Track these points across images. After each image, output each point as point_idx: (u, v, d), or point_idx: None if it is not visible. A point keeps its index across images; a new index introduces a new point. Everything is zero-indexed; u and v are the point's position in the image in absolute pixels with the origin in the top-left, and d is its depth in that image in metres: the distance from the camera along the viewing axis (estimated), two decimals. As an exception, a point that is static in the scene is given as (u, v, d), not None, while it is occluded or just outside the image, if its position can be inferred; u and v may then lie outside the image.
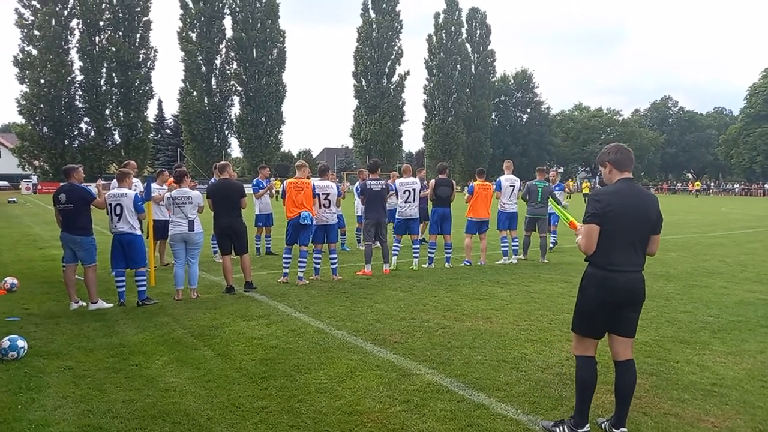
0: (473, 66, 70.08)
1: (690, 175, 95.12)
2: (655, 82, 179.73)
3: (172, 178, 10.03)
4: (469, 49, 69.64)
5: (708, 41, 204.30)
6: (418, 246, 10.10)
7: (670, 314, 6.64)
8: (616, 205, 3.37)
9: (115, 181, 7.69)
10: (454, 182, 10.67)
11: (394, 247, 9.94)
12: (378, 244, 9.56)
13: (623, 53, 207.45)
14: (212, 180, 10.97)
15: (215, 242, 10.84)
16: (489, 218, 10.44)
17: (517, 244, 10.89)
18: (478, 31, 70.74)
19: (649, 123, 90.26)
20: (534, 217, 10.81)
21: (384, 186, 9.36)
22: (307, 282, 8.48)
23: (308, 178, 8.51)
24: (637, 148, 77.18)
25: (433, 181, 10.16)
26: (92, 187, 8.29)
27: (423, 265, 10.02)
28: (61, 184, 7.24)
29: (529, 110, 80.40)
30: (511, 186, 10.66)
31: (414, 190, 9.70)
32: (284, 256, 8.60)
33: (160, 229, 9.24)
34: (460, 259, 10.62)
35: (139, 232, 7.16)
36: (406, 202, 9.66)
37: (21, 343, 4.93)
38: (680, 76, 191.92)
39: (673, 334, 5.82)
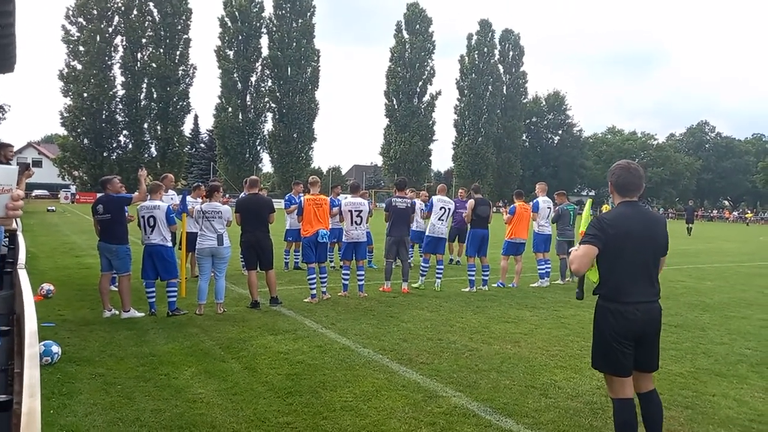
0: (505, 87, 70.00)
1: (726, 203, 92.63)
2: (691, 106, 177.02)
3: (204, 191, 10.23)
4: (501, 71, 69.63)
5: (746, 66, 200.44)
6: (442, 267, 10.00)
7: (706, 345, 6.43)
8: (619, 232, 3.16)
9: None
10: (490, 202, 10.68)
11: (422, 267, 9.88)
12: (399, 262, 9.53)
13: (658, 77, 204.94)
14: (242, 194, 11.18)
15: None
16: (526, 240, 10.36)
17: (550, 266, 10.75)
18: (510, 53, 70.76)
19: (684, 148, 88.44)
20: (568, 240, 10.74)
21: (409, 204, 9.35)
22: (330, 296, 8.50)
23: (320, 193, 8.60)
24: (672, 173, 75.62)
25: (472, 201, 9.95)
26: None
27: (463, 289, 9.80)
28: (99, 195, 7.46)
29: (560, 132, 79.66)
30: (548, 208, 10.65)
31: (449, 209, 9.70)
32: (309, 276, 8.40)
33: (193, 241, 9.39)
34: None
35: (170, 244, 7.30)
36: (439, 219, 9.65)
37: (55, 348, 5.05)
38: (717, 101, 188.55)
39: (709, 366, 5.63)
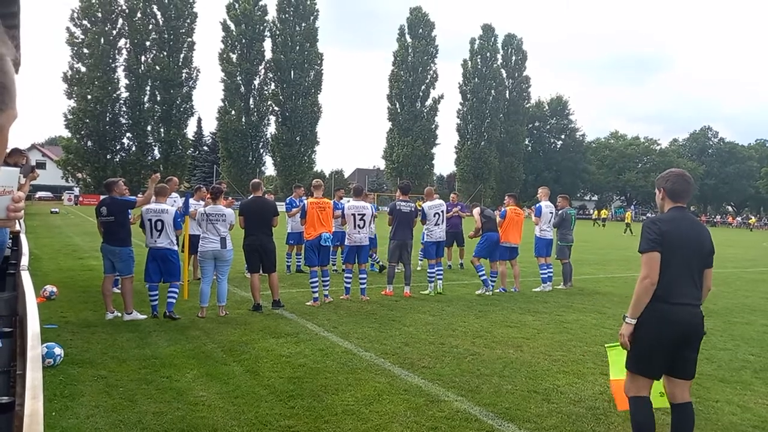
0: (508, 92, 70.04)
1: (729, 208, 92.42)
2: (694, 111, 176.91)
3: (209, 194, 10.25)
4: (504, 75, 69.70)
5: (749, 71, 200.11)
6: (442, 268, 10.02)
7: (710, 351, 6.40)
8: (673, 233, 3.28)
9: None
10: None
11: (429, 273, 9.80)
12: (401, 266, 9.51)
13: (660, 81, 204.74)
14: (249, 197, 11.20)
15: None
16: (519, 244, 10.32)
17: (552, 271, 10.71)
18: (513, 57, 70.80)
19: (687, 153, 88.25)
20: (569, 245, 10.72)
21: (413, 208, 9.35)
22: (332, 300, 8.49)
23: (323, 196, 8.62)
24: (675, 178, 75.32)
25: (478, 209, 10.19)
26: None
27: (478, 290, 9.92)
28: (102, 197, 7.48)
29: (563, 137, 79.64)
30: (550, 213, 10.62)
31: (442, 212, 9.71)
32: (311, 280, 8.44)
33: (195, 243, 9.40)
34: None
35: (176, 248, 7.32)
36: (435, 225, 9.63)
37: (58, 350, 5.06)
38: (720, 107, 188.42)
39: (712, 372, 5.61)
